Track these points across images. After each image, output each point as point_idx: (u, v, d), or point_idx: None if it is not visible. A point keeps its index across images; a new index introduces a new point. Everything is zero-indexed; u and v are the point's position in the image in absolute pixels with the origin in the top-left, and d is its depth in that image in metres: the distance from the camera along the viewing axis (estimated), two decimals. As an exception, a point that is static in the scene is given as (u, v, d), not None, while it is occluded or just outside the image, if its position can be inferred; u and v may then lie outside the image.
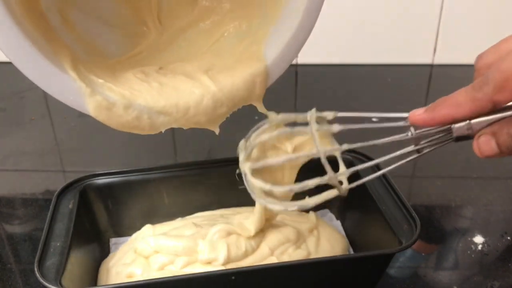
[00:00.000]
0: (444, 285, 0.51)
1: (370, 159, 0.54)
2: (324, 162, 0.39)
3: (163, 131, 0.44)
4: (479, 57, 0.37)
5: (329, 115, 0.42)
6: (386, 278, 0.51)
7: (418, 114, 0.37)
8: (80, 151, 0.76)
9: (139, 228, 0.53)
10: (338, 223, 0.56)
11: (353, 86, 0.96)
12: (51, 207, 0.49)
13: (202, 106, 0.43)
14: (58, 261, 0.43)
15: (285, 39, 0.43)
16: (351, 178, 0.41)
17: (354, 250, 0.53)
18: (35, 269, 0.41)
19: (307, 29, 0.43)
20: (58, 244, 0.45)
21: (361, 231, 0.53)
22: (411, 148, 0.39)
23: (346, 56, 1.01)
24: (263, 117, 0.87)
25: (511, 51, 0.33)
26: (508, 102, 0.33)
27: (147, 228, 0.53)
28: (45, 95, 0.95)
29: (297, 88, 0.97)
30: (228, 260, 0.46)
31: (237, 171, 0.44)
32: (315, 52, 1.00)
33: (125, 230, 0.54)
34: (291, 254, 0.48)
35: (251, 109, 0.90)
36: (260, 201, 0.42)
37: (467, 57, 0.38)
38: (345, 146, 0.40)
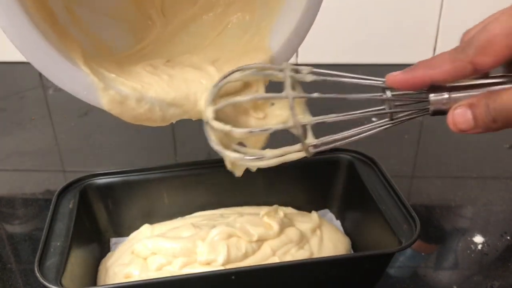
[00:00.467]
0: (444, 285, 0.51)
1: (370, 158, 0.54)
2: (291, 105, 0.36)
3: (174, 122, 0.44)
4: (466, 32, 0.35)
5: (305, 69, 0.39)
6: (386, 278, 0.51)
7: (395, 74, 0.34)
8: (80, 151, 0.76)
9: (139, 228, 0.53)
10: (338, 223, 0.56)
11: (353, 86, 0.96)
12: (51, 207, 0.49)
13: None
14: (58, 261, 0.43)
15: (290, 28, 0.43)
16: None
17: (354, 250, 0.53)
18: (35, 269, 0.41)
19: (311, 17, 0.43)
20: (58, 244, 0.45)
21: (361, 231, 0.53)
22: (385, 112, 0.36)
23: (346, 56, 1.01)
24: (263, 117, 0.87)
25: (497, 17, 0.31)
26: (489, 67, 0.31)
27: (145, 228, 0.53)
28: (45, 95, 0.95)
29: (297, 88, 0.97)
30: (227, 261, 0.46)
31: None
32: (315, 52, 1.00)
33: (125, 230, 0.54)
34: (294, 255, 0.48)
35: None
36: (216, 148, 0.40)
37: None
38: (316, 95, 0.38)
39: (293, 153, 0.38)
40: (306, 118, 0.38)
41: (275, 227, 0.49)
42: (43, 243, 0.44)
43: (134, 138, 0.79)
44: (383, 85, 0.36)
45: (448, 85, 0.34)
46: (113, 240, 0.54)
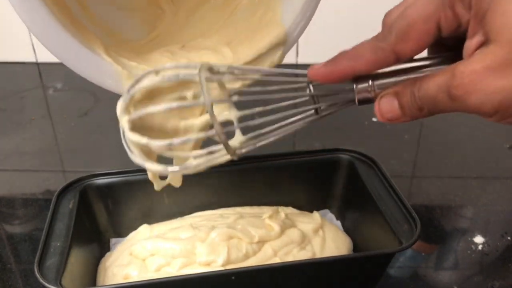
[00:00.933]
0: (444, 285, 0.51)
1: (370, 158, 0.54)
2: (210, 113, 0.32)
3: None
4: (387, 13, 0.34)
5: (222, 67, 0.35)
6: (386, 278, 0.51)
7: (317, 67, 0.33)
8: (80, 151, 0.76)
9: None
10: (338, 223, 0.56)
11: (353, 86, 0.96)
12: (51, 207, 0.49)
13: None
14: (58, 261, 0.43)
15: (301, 1, 0.43)
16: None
17: (354, 250, 0.53)
18: (35, 269, 0.41)
19: None
20: (58, 244, 0.45)
21: (361, 231, 0.53)
22: (311, 107, 0.35)
23: (346, 56, 1.01)
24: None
25: (414, 1, 0.31)
26: (411, 54, 0.31)
27: (144, 228, 0.53)
28: (45, 95, 0.95)
29: (297, 88, 0.97)
30: (227, 262, 0.46)
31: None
32: (315, 52, 1.00)
33: (125, 230, 0.54)
34: (296, 255, 0.48)
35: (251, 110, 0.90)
36: (137, 161, 0.36)
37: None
38: (235, 98, 0.35)
39: (219, 157, 0.36)
40: (232, 114, 0.35)
41: (276, 228, 0.49)
42: (43, 243, 0.44)
43: (134, 138, 0.79)
44: (306, 80, 0.34)
45: (372, 72, 0.33)
46: (113, 240, 0.54)
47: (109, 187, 0.53)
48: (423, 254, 0.55)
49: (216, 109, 0.36)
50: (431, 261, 0.54)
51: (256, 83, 0.37)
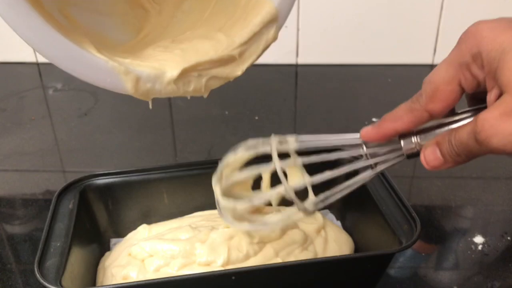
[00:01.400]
0: (444, 285, 0.51)
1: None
2: (283, 179, 0.41)
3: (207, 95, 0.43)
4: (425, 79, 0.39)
5: (291, 140, 0.43)
6: (386, 278, 0.51)
7: (366, 130, 0.39)
8: (80, 151, 0.76)
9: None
10: (338, 223, 0.56)
11: (353, 86, 0.96)
12: (51, 207, 0.49)
13: (225, 59, 0.43)
14: (58, 261, 0.43)
15: None
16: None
17: (355, 251, 0.53)
18: (35, 269, 0.41)
19: None
20: (58, 244, 0.45)
21: (361, 231, 0.53)
22: (366, 164, 0.41)
23: (346, 56, 1.01)
24: (263, 117, 0.88)
25: (439, 65, 0.36)
26: (442, 111, 0.36)
27: (143, 228, 0.53)
28: (45, 95, 0.95)
29: (297, 88, 0.97)
30: (228, 263, 0.46)
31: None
32: (315, 52, 1.00)
33: (125, 230, 0.54)
34: (297, 256, 0.48)
35: (252, 109, 0.91)
36: (228, 221, 0.44)
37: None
38: (308, 179, 0.42)
39: (294, 215, 0.42)
40: (304, 180, 0.42)
41: (276, 230, 0.49)
42: (43, 243, 0.44)
43: (134, 138, 0.79)
44: (359, 141, 0.40)
45: (416, 128, 0.38)
46: (113, 240, 0.54)
47: (109, 187, 0.53)
48: (423, 254, 0.55)
49: (290, 176, 0.43)
50: (431, 261, 0.54)
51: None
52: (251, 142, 0.44)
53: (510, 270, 0.52)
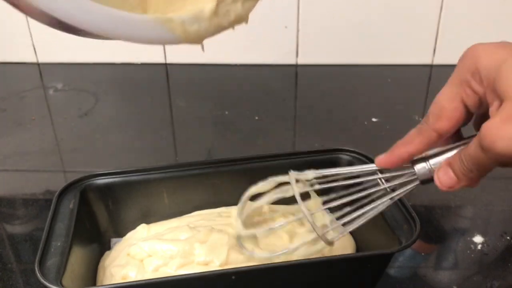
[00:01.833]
0: (444, 285, 0.51)
1: (370, 158, 0.54)
2: (312, 222, 0.43)
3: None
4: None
5: (309, 174, 0.44)
6: (386, 278, 0.51)
7: (381, 157, 0.41)
8: (80, 151, 0.76)
9: (137, 228, 0.53)
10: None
11: (353, 86, 0.97)
12: (52, 207, 0.49)
13: None
14: (58, 261, 0.43)
15: None
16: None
17: (355, 250, 0.53)
18: (36, 269, 0.42)
19: None
20: (59, 244, 0.45)
21: (361, 231, 0.53)
22: (382, 190, 0.43)
23: (346, 56, 1.01)
24: (263, 117, 0.88)
25: (443, 87, 0.38)
26: (448, 129, 0.38)
27: (142, 228, 0.53)
28: (45, 95, 0.95)
29: (297, 88, 0.97)
30: (226, 263, 0.46)
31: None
32: (315, 52, 1.00)
33: (126, 230, 0.54)
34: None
35: (252, 109, 0.91)
36: (249, 253, 0.47)
37: (467, 58, 0.38)
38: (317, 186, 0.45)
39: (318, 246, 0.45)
40: (325, 219, 0.46)
41: (285, 237, 0.49)
42: (43, 243, 0.44)
43: (134, 138, 0.79)
44: (374, 168, 0.42)
45: (427, 154, 0.40)
46: (113, 240, 0.54)
47: (109, 187, 0.53)
48: (422, 254, 0.55)
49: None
50: (430, 261, 0.54)
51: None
52: (270, 179, 0.47)
53: (509, 270, 0.52)
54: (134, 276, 0.46)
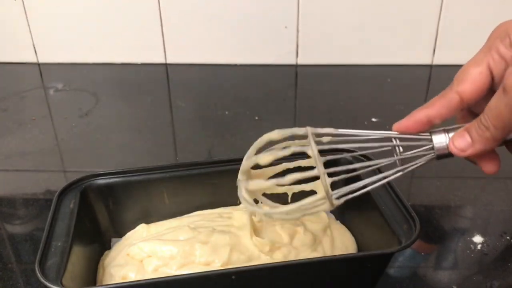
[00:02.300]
0: (443, 284, 0.51)
1: (369, 158, 0.54)
2: (324, 181, 0.40)
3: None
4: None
5: (327, 130, 0.41)
6: (386, 278, 0.51)
7: (399, 122, 0.39)
8: (80, 151, 0.76)
9: (137, 228, 0.53)
10: (338, 223, 0.56)
11: (353, 86, 0.97)
12: (52, 207, 0.49)
13: None
14: (59, 261, 0.43)
15: None
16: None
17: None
18: (36, 269, 0.42)
19: None
20: (59, 244, 0.45)
21: (361, 231, 0.53)
22: (396, 161, 0.40)
23: (346, 56, 1.01)
24: (262, 117, 0.88)
25: (474, 55, 0.38)
26: (471, 93, 0.37)
27: (141, 228, 0.53)
28: (45, 96, 0.95)
29: (297, 88, 0.97)
30: (228, 264, 0.46)
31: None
32: (315, 52, 1.00)
33: (126, 230, 0.54)
34: (307, 257, 0.48)
35: (252, 109, 0.91)
36: (248, 207, 0.43)
37: (467, 58, 0.39)
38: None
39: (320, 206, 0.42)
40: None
41: (285, 238, 0.49)
42: (43, 243, 0.44)
43: (135, 138, 0.79)
44: (391, 134, 0.40)
45: (447, 128, 0.38)
46: (113, 240, 0.55)
47: (109, 187, 0.53)
48: (422, 254, 0.55)
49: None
50: (430, 261, 0.54)
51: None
52: (279, 133, 0.43)
53: (509, 270, 0.52)
54: (133, 276, 0.46)
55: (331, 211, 0.57)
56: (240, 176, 0.44)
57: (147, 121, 0.84)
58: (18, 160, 0.74)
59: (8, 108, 0.90)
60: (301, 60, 1.01)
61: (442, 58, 0.99)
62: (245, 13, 0.96)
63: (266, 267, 0.44)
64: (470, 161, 0.40)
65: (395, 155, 0.40)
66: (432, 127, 0.39)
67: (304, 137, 0.42)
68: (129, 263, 0.48)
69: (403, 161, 0.40)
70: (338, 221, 0.56)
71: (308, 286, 0.46)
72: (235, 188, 0.55)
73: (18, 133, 0.81)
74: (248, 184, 0.43)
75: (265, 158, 0.43)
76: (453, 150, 0.37)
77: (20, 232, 0.60)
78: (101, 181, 0.53)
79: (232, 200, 0.56)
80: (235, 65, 1.01)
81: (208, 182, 0.55)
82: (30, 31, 0.99)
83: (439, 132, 0.38)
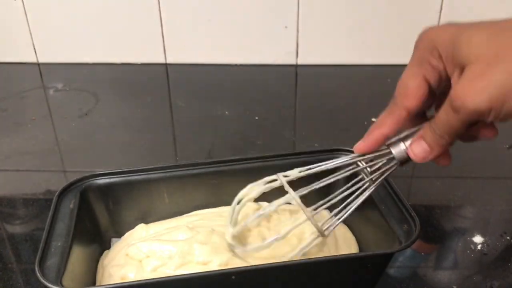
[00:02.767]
0: (443, 284, 0.51)
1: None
2: (299, 204, 0.45)
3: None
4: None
5: (293, 174, 0.46)
6: (386, 278, 0.51)
7: (358, 144, 0.43)
8: (80, 151, 0.76)
9: (136, 228, 0.53)
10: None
11: (352, 86, 0.97)
12: (52, 207, 0.49)
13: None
14: (59, 261, 0.43)
15: None
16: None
17: (354, 250, 0.53)
18: (36, 268, 0.42)
19: None
20: (59, 244, 0.45)
21: (361, 231, 0.53)
22: (365, 177, 0.44)
23: (346, 56, 1.01)
24: (263, 117, 0.88)
25: (405, 69, 0.40)
26: (416, 106, 0.39)
27: (140, 228, 0.53)
28: (45, 96, 0.95)
29: (297, 88, 0.97)
30: (227, 264, 0.46)
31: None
32: (315, 52, 1.00)
33: (126, 230, 0.54)
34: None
35: (252, 109, 0.91)
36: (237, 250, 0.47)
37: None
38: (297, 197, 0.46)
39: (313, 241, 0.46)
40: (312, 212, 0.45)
41: (294, 240, 0.49)
42: (43, 243, 0.44)
43: (135, 138, 0.79)
44: (354, 160, 0.43)
45: (401, 136, 0.41)
46: (113, 240, 0.55)
47: (109, 187, 0.53)
48: (422, 254, 0.55)
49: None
50: (430, 261, 0.54)
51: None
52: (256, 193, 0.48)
53: (509, 270, 0.52)
54: (133, 276, 0.46)
55: (331, 212, 0.57)
56: (231, 241, 0.47)
57: (147, 121, 0.84)
58: (18, 160, 0.74)
59: (8, 108, 0.90)
60: (301, 60, 1.01)
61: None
62: (245, 13, 0.96)
63: (266, 267, 0.44)
64: None
65: (365, 176, 0.44)
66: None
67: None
68: (128, 263, 0.48)
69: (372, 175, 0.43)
70: (338, 221, 0.56)
71: (308, 286, 0.46)
72: (235, 188, 0.56)
73: (18, 133, 0.81)
74: (247, 249, 0.47)
75: (253, 223, 0.48)
76: (415, 159, 0.40)
77: (20, 232, 0.60)
78: (101, 181, 0.53)
79: (232, 200, 0.56)
80: (235, 65, 1.01)
81: (208, 182, 0.55)
82: (30, 31, 0.99)
83: (396, 142, 0.41)
